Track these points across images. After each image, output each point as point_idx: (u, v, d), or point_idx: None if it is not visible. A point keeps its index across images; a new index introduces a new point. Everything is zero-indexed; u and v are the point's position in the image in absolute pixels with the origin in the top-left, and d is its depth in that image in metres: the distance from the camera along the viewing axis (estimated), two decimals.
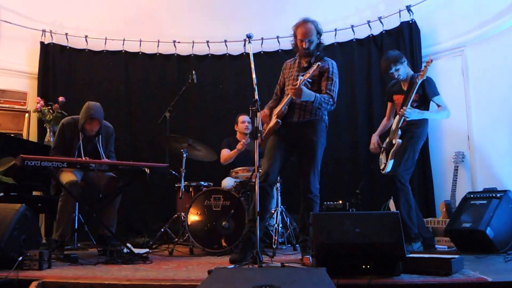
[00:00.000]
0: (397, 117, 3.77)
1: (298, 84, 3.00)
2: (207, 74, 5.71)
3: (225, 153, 4.69)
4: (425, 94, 3.71)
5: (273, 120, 3.20)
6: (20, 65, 5.48)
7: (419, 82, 3.62)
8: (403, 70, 3.75)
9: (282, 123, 3.17)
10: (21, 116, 5.12)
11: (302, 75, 3.05)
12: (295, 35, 3.24)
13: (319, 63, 3.04)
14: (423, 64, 3.67)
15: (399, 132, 3.72)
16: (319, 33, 3.23)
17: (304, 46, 3.16)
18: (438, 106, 3.74)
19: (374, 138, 4.00)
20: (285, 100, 3.16)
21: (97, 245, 3.74)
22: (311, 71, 3.01)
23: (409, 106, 3.62)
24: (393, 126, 3.82)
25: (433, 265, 2.36)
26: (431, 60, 3.60)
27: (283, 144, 3.23)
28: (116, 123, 4.27)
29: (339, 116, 5.24)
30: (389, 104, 4.09)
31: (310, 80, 3.07)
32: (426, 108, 3.79)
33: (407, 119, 3.63)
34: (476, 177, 4.60)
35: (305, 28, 3.16)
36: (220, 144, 4.82)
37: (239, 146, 4.51)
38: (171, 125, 4.57)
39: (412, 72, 3.84)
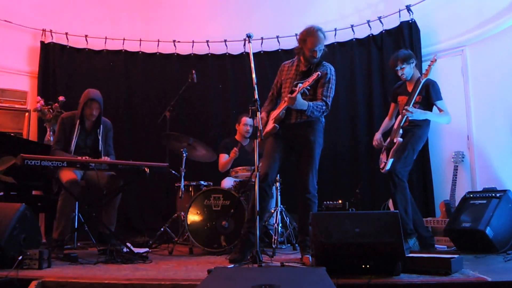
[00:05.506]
0: (400, 116, 3.77)
1: (297, 91, 2.99)
2: (207, 74, 5.70)
3: (222, 160, 4.70)
4: (429, 97, 3.71)
5: (271, 124, 3.21)
6: (20, 64, 5.47)
7: (422, 82, 3.64)
8: (408, 70, 3.78)
9: (280, 124, 3.18)
10: (21, 115, 5.12)
11: (302, 83, 3.04)
12: (303, 41, 3.18)
13: (318, 72, 3.02)
14: (427, 63, 3.67)
15: (401, 131, 3.72)
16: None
17: (315, 55, 3.15)
18: (440, 111, 3.74)
19: (377, 135, 4.02)
20: (283, 106, 3.17)
21: (97, 245, 3.74)
22: (310, 80, 2.99)
23: (411, 105, 3.63)
24: (395, 126, 3.82)
25: (433, 264, 2.36)
26: (435, 60, 3.61)
27: (282, 145, 3.24)
28: (116, 122, 4.27)
29: (339, 115, 5.25)
30: (393, 104, 4.10)
31: (309, 88, 3.06)
32: (429, 111, 3.79)
33: (410, 118, 3.64)
34: (476, 176, 4.59)
35: (317, 38, 3.13)
36: (219, 144, 4.83)
37: (232, 154, 4.53)
38: (171, 125, 4.57)
39: (419, 75, 3.84)
